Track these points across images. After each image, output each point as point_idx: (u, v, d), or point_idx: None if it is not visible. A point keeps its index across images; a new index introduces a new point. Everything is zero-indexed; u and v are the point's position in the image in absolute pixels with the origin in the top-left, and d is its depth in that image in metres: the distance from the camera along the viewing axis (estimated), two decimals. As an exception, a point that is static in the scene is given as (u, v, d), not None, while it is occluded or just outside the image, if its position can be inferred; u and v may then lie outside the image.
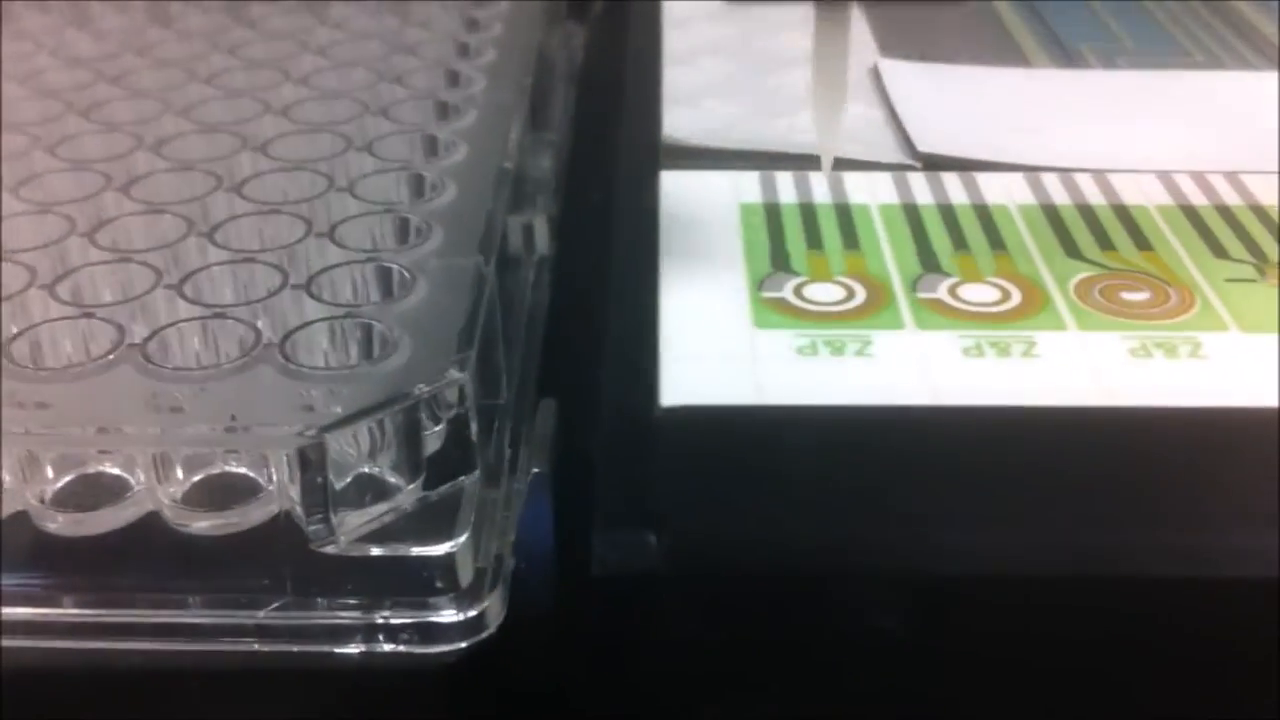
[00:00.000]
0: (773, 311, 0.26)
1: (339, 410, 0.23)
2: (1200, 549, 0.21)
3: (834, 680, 0.21)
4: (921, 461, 0.22)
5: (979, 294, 0.26)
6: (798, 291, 0.27)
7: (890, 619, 0.20)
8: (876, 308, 0.26)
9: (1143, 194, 0.30)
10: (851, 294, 0.26)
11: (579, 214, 0.35)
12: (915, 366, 0.24)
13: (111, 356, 0.25)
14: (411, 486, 0.24)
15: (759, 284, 0.27)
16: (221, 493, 0.25)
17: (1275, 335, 0.25)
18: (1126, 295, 0.26)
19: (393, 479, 0.24)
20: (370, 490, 0.24)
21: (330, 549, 0.23)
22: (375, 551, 0.24)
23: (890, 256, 0.28)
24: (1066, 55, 0.38)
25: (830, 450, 0.22)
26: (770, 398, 0.23)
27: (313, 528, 0.23)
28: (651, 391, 0.23)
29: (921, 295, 0.26)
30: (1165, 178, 0.31)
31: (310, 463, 0.23)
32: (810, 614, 0.21)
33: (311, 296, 0.26)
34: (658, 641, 0.21)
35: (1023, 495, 0.21)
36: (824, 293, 0.27)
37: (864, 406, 0.23)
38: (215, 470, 0.25)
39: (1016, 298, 0.26)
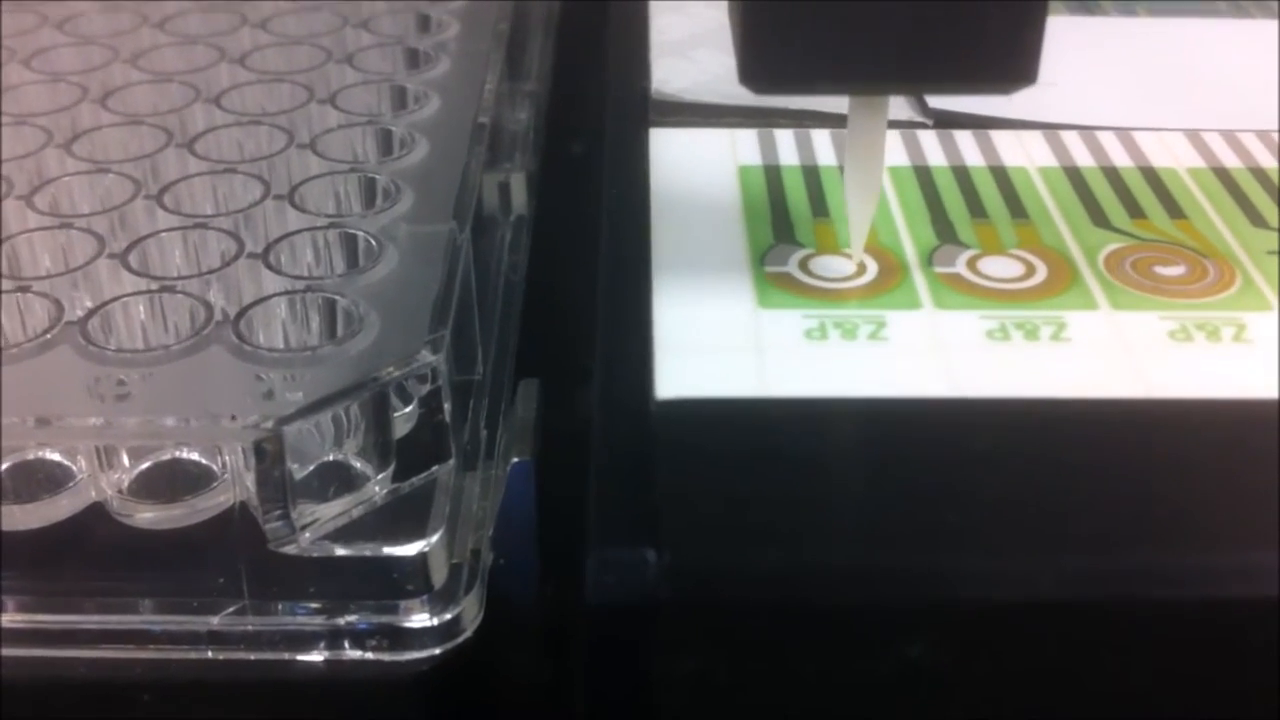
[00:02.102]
0: (777, 289, 0.24)
1: (299, 396, 0.21)
2: (1257, 565, 0.19)
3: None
4: (951, 462, 0.20)
5: (1001, 268, 0.24)
6: (804, 265, 0.24)
7: (919, 648, 0.18)
8: (890, 284, 0.24)
9: (1171, 155, 0.28)
10: (863, 268, 0.24)
11: (558, 171, 0.33)
12: (935, 352, 0.22)
13: (49, 335, 0.23)
14: (381, 476, 0.22)
15: (761, 257, 0.25)
16: (172, 481, 0.23)
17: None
18: (1160, 269, 0.24)
19: (360, 467, 0.22)
20: (336, 480, 0.22)
21: (291, 549, 0.21)
22: (340, 551, 0.22)
23: (903, 225, 0.26)
24: (1081, 1, 0.36)
25: (849, 451, 0.20)
26: (778, 389, 0.21)
27: (270, 526, 0.21)
28: (645, 383, 0.21)
29: (939, 270, 0.24)
30: (1194, 136, 0.29)
31: (268, 457, 0.21)
32: (828, 644, 0.19)
33: (269, 267, 0.24)
34: (652, 657, 0.19)
35: (1064, 503, 0.19)
36: (832, 267, 0.24)
37: (887, 399, 0.21)
38: (165, 457, 0.23)
39: (1042, 272, 0.24)
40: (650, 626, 0.18)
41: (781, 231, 0.25)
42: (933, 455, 0.20)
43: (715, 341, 0.22)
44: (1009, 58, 0.22)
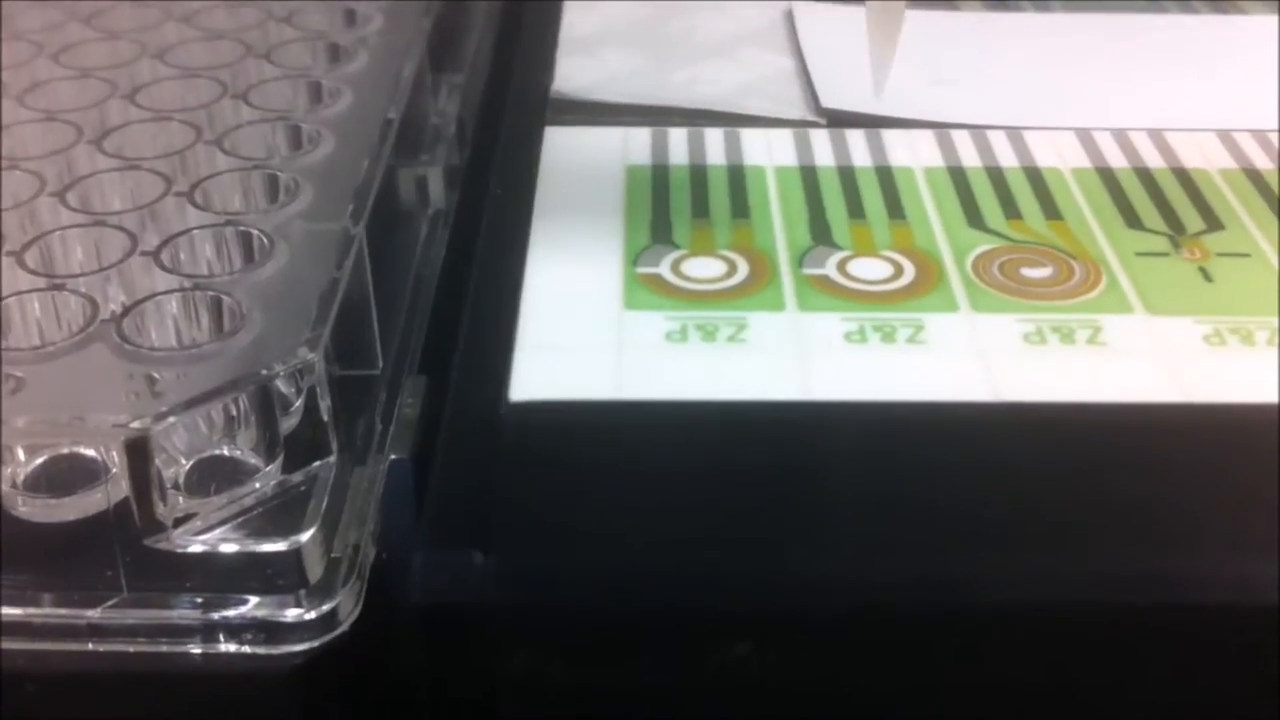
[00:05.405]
0: (646, 290, 0.24)
1: (181, 394, 0.22)
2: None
3: None
4: (800, 464, 0.20)
5: (870, 270, 0.24)
6: (675, 267, 0.25)
7: (747, 649, 0.18)
8: (757, 286, 0.24)
9: (1058, 154, 0.28)
10: (733, 269, 0.25)
11: (485, 164, 0.33)
12: (793, 354, 0.22)
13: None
14: (270, 468, 0.23)
15: (635, 258, 0.25)
16: (68, 476, 0.23)
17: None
18: (1027, 271, 0.25)
19: (251, 460, 0.23)
20: (224, 473, 0.22)
21: (164, 545, 0.22)
22: (205, 548, 0.22)
23: (780, 227, 0.26)
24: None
25: (695, 455, 0.20)
26: (631, 392, 0.21)
27: (142, 523, 0.21)
28: (500, 383, 0.21)
29: (808, 271, 0.24)
30: (1084, 136, 0.29)
31: (137, 455, 0.21)
32: (655, 647, 0.19)
33: (161, 266, 0.25)
34: (482, 657, 0.20)
35: (912, 504, 0.19)
36: (703, 268, 0.25)
37: (740, 402, 0.21)
38: (63, 451, 0.24)
39: (910, 274, 0.24)
40: (477, 627, 0.18)
41: (659, 232, 0.26)
42: (784, 458, 0.20)
43: (576, 343, 0.23)
44: None
